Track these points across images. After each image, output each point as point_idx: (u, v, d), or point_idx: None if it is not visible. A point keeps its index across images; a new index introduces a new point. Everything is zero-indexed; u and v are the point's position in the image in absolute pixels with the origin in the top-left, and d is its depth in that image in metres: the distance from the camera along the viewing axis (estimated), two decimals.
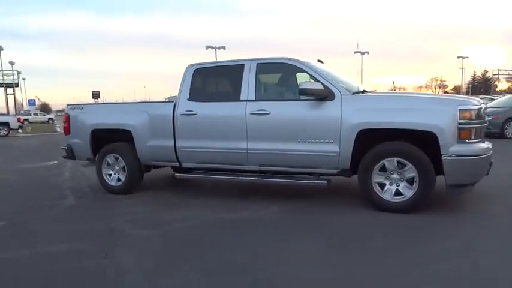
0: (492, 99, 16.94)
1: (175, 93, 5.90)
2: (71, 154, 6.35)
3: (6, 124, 23.73)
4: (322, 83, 4.65)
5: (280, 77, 5.37)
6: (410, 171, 4.33)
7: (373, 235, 3.88)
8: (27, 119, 45.00)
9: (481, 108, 4.32)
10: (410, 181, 4.36)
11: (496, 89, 61.46)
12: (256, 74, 5.08)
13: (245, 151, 5.04)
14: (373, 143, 4.53)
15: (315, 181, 4.81)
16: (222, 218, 4.56)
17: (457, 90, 66.71)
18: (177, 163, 5.60)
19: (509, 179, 6.12)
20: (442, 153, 4.17)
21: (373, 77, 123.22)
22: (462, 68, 57.36)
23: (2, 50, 40.89)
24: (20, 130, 25.58)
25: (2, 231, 4.42)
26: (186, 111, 5.34)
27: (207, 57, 44.54)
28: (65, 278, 3.12)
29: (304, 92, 4.57)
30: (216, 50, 41.86)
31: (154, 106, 5.92)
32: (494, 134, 12.23)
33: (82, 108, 6.29)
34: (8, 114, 35.41)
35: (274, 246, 3.63)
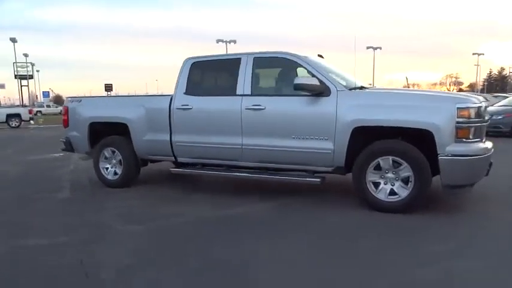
0: (506, 98, 16.56)
1: None
2: (69, 147, 6.36)
3: (17, 115, 24.10)
4: (318, 78, 4.55)
5: (277, 72, 5.27)
6: (406, 171, 4.22)
7: (365, 235, 3.80)
8: (40, 111, 45.83)
9: (480, 106, 4.16)
10: (406, 181, 4.25)
11: None
12: (252, 68, 5.00)
13: (240, 147, 4.97)
14: (370, 140, 4.43)
15: (309, 179, 4.72)
16: (214, 214, 4.51)
17: (472, 87, 65.46)
18: (173, 158, 5.57)
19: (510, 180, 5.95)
20: (438, 152, 4.04)
21: (387, 73, 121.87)
22: (477, 65, 56.20)
23: (16, 42, 41.37)
24: (31, 121, 25.97)
25: None
26: (182, 105, 5.29)
27: (218, 51, 44.52)
28: (39, 273, 3.08)
29: (299, 87, 4.48)
30: (226, 44, 41.75)
31: (150, 100, 5.90)
32: (505, 133, 11.96)
33: (80, 101, 6.30)
34: (22, 105, 35.93)
35: (263, 245, 3.57)
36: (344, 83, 4.75)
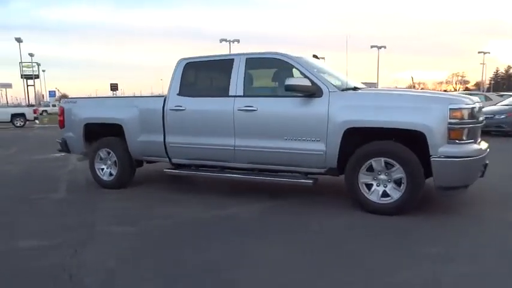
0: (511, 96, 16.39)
1: None
2: (65, 148, 6.38)
3: (22, 115, 24.30)
4: (310, 79, 4.51)
5: (270, 73, 5.23)
6: (398, 172, 4.17)
7: (355, 236, 3.77)
8: (45, 110, 46.14)
9: (474, 107, 4.10)
10: (398, 182, 4.20)
11: None
12: (245, 69, 4.97)
13: (232, 148, 4.95)
14: (363, 141, 4.38)
15: (301, 180, 4.69)
16: (205, 216, 4.49)
17: (478, 86, 64.89)
18: (167, 159, 5.56)
19: (509, 180, 5.88)
20: (430, 153, 4.00)
21: (392, 72, 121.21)
22: (483, 64, 55.60)
23: (22, 42, 41.59)
24: (36, 121, 26.16)
25: None
26: (175, 106, 5.28)
27: (222, 51, 44.49)
28: (20, 275, 3.06)
29: (290, 88, 4.44)
30: (230, 44, 41.70)
31: (144, 101, 5.89)
32: (507, 132, 11.84)
33: (76, 102, 6.31)
34: (28, 105, 36.22)
35: (251, 246, 3.54)
36: (337, 84, 4.71)
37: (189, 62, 5.40)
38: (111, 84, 44.07)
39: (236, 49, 39.73)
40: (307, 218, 4.31)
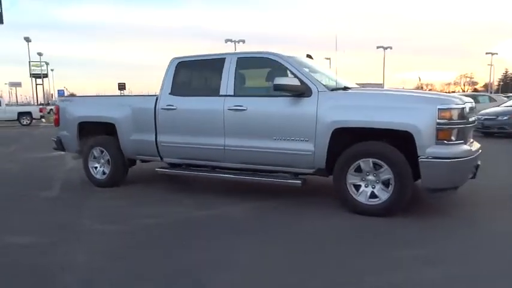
0: None
1: None
2: (60, 146, 6.41)
3: (28, 114, 24.57)
4: (299, 79, 4.48)
5: (260, 72, 5.20)
6: (386, 173, 4.12)
7: (340, 237, 3.75)
8: (53, 109, 46.51)
9: (464, 107, 4.04)
10: (386, 183, 4.15)
11: None
12: (236, 68, 4.95)
13: (222, 148, 4.93)
14: (353, 142, 4.34)
15: (290, 180, 4.66)
16: (192, 216, 4.48)
17: (487, 87, 64.19)
18: (159, 158, 5.56)
19: (504, 180, 5.81)
20: (418, 154, 3.94)
21: (400, 72, 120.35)
22: (491, 65, 54.87)
23: (30, 41, 42.02)
24: (43, 119, 26.42)
25: None
26: (167, 105, 5.27)
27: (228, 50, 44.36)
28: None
29: (279, 88, 4.41)
30: (235, 44, 41.67)
31: (137, 100, 5.90)
32: (510, 134, 11.68)
33: (70, 100, 6.34)
34: (38, 104, 36.59)
35: (238, 247, 3.50)
36: (328, 84, 4.67)
37: (181, 61, 5.40)
38: (119, 83, 44.26)
39: (241, 49, 39.72)
40: (297, 219, 4.28)
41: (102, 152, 5.94)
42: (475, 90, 62.59)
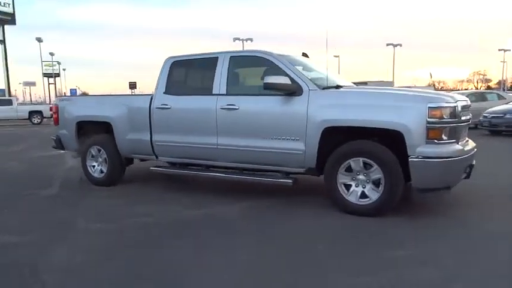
0: None
1: None
2: (60, 145, 6.50)
3: (39, 112, 24.93)
4: (290, 77, 4.45)
5: (253, 71, 5.20)
6: (376, 173, 4.08)
7: (329, 237, 3.72)
8: None
9: (456, 106, 3.97)
10: (377, 183, 4.11)
11: None
12: (229, 67, 4.94)
13: (215, 147, 4.94)
14: (344, 141, 4.30)
15: (281, 180, 4.64)
16: (182, 215, 4.49)
17: (500, 84, 63.05)
18: (154, 157, 5.59)
19: (505, 180, 5.69)
20: (408, 153, 3.89)
21: (412, 69, 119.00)
22: (504, 62, 53.84)
23: (42, 41, 42.62)
24: None
25: None
26: (161, 104, 5.30)
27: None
28: None
29: (269, 87, 4.39)
30: (243, 42, 41.66)
31: (132, 99, 5.96)
32: None
33: (70, 99, 6.41)
34: (50, 103, 37.07)
35: (228, 247, 3.50)
36: (320, 83, 4.62)
37: (176, 61, 5.42)
38: (129, 82, 44.61)
39: (248, 48, 39.64)
40: (288, 218, 4.27)
41: (99, 150, 6.00)
42: (488, 87, 61.52)
